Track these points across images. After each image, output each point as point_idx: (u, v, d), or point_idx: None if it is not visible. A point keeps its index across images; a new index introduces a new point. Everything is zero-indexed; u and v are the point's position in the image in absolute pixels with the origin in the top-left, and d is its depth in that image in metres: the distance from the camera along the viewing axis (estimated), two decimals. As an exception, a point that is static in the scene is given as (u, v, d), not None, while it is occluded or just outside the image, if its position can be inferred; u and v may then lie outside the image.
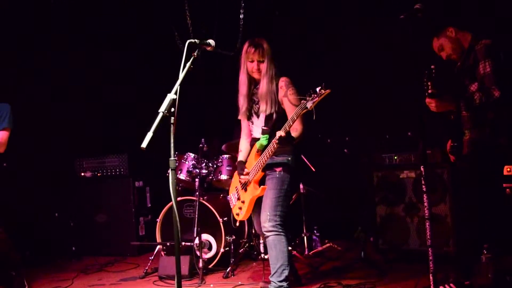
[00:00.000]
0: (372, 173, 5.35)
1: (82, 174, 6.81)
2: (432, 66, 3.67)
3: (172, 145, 3.00)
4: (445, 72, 3.96)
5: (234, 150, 5.64)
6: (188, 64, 3.18)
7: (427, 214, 3.11)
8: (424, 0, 3.41)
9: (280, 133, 3.68)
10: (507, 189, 4.20)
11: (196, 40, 3.30)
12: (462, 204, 4.01)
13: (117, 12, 6.76)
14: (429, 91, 3.71)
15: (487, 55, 3.72)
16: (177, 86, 3.08)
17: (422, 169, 3.12)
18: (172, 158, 3.00)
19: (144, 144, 2.88)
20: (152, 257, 5.52)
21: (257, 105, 4.18)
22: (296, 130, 3.91)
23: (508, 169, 4.18)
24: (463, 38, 3.93)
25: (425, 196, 3.12)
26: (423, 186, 3.13)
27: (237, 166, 4.31)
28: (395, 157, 5.28)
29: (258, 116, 4.18)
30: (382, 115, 6.18)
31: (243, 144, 4.39)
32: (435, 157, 4.99)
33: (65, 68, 6.72)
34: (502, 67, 3.71)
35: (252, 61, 4.07)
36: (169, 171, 3.00)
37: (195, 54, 3.26)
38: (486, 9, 5.17)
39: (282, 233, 3.93)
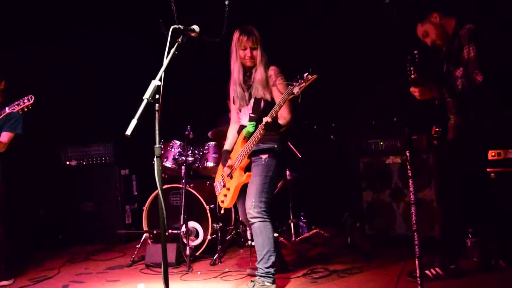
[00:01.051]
0: (358, 159, 5.37)
1: (67, 163, 6.76)
2: (415, 52, 3.67)
3: (157, 132, 2.96)
4: (429, 58, 3.96)
5: (220, 137, 5.62)
6: (172, 51, 3.14)
7: (412, 199, 3.11)
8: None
9: (266, 119, 3.68)
10: (492, 174, 4.25)
11: (180, 26, 3.25)
12: (447, 188, 4.03)
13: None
14: (412, 76, 3.71)
15: (471, 40, 3.72)
16: (161, 72, 3.04)
17: (407, 154, 3.12)
18: (157, 145, 2.97)
19: (128, 132, 2.84)
20: (139, 245, 5.50)
21: (247, 93, 4.16)
22: (284, 118, 3.92)
23: (493, 154, 4.22)
24: (447, 24, 3.93)
25: (410, 181, 3.12)
26: (409, 171, 3.14)
27: (222, 155, 4.30)
28: (381, 143, 5.31)
29: (247, 104, 4.16)
30: (368, 101, 6.20)
31: (231, 132, 4.38)
32: (420, 142, 5.01)
33: (49, 53, 6.64)
34: (486, 51, 3.71)
35: (245, 49, 4.05)
36: (155, 158, 2.98)
37: (180, 40, 3.22)
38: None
39: (267, 220, 3.93)
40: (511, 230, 4.13)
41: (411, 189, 3.11)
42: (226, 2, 6.59)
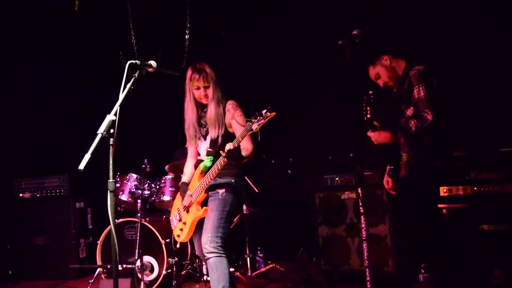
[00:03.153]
0: (314, 194, 5.41)
1: (21, 195, 6.61)
2: (370, 92, 3.77)
3: (111, 167, 2.95)
4: (382, 98, 4.08)
5: (177, 170, 5.61)
6: (128, 85, 3.16)
7: (364, 236, 3.17)
8: (362, 27, 3.51)
9: (229, 145, 3.61)
10: (444, 210, 4.35)
11: (137, 61, 3.28)
12: (400, 225, 4.10)
13: (62, 28, 6.67)
14: (368, 116, 3.80)
15: (420, 80, 3.85)
16: (117, 107, 3.04)
17: (359, 191, 3.19)
18: (111, 180, 2.95)
19: (81, 166, 2.82)
20: (92, 280, 5.39)
21: (204, 128, 4.16)
22: (246, 149, 3.87)
23: (444, 190, 4.32)
24: (397, 66, 4.07)
25: (362, 217, 3.19)
26: (361, 208, 3.20)
27: (180, 188, 4.28)
28: (337, 178, 5.37)
29: (205, 139, 4.17)
30: (325, 136, 6.30)
31: (188, 167, 4.35)
32: (375, 178, 5.10)
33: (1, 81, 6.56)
34: (435, 91, 3.85)
35: (198, 88, 4.05)
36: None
37: (136, 75, 3.24)
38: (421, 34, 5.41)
39: (223, 255, 3.90)
40: (461, 266, 4.22)
41: (363, 225, 3.17)
42: (186, 36, 6.68)
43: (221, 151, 3.69)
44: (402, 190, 4.08)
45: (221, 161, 3.72)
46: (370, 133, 3.90)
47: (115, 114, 3.00)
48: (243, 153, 3.84)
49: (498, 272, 4.28)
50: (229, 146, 3.64)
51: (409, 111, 3.93)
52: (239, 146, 3.67)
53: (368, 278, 3.11)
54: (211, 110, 4.04)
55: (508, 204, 4.27)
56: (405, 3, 5.64)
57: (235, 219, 5.59)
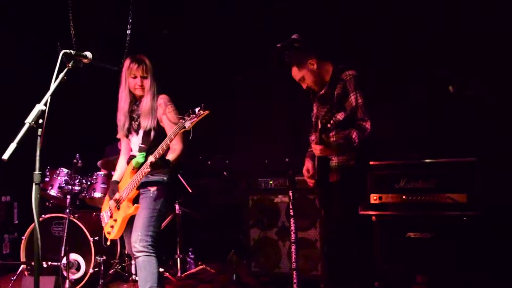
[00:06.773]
0: (248, 196, 5.42)
1: None
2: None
3: (37, 158, 2.85)
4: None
5: (109, 167, 5.50)
6: (61, 75, 3.06)
7: (293, 238, 3.20)
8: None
9: (151, 158, 3.62)
10: (373, 217, 4.42)
11: (71, 51, 3.19)
12: (328, 230, 4.11)
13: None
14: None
15: (357, 86, 3.79)
16: (47, 97, 2.94)
17: (290, 194, 3.22)
18: (36, 172, 2.85)
19: (5, 156, 2.71)
20: (15, 277, 5.19)
21: (136, 122, 4.08)
22: (174, 150, 3.85)
23: (374, 198, 4.39)
24: (324, 70, 3.98)
25: (292, 220, 3.21)
26: (291, 211, 3.23)
27: (110, 186, 4.19)
28: (271, 182, 5.40)
29: (137, 133, 4.10)
30: (262, 139, 6.33)
31: (120, 164, 4.27)
32: (307, 183, 5.15)
33: None
34: (368, 97, 3.87)
35: (135, 77, 3.99)
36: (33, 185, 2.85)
37: (70, 65, 3.15)
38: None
39: (153, 254, 3.85)
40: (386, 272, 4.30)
41: (292, 228, 3.20)
42: (128, 32, 6.57)
43: (148, 158, 3.64)
44: (333, 195, 4.07)
45: (144, 168, 3.68)
46: (314, 146, 3.78)
47: (45, 104, 2.91)
48: (171, 155, 3.80)
49: (420, 279, 4.40)
50: (150, 159, 3.62)
51: (340, 116, 3.86)
52: (163, 153, 3.65)
53: (295, 281, 3.14)
54: (146, 102, 3.98)
55: (434, 213, 4.42)
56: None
57: (168, 219, 5.53)
